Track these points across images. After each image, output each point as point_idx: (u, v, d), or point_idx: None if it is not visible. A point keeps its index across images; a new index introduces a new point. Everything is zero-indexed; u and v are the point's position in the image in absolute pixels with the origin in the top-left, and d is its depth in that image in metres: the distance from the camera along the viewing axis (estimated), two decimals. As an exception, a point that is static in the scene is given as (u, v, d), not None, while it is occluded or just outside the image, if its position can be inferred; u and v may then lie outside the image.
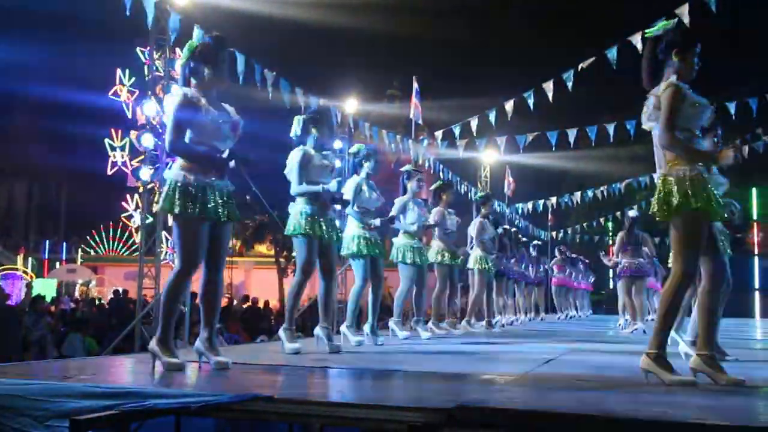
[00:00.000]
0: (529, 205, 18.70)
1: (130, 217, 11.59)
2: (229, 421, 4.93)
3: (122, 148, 11.58)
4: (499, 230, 10.34)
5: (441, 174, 13.79)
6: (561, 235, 20.93)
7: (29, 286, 21.28)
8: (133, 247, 29.10)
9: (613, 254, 10.13)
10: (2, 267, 24.63)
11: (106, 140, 11.48)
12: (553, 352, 5.56)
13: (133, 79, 11.29)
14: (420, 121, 10.12)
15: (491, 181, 19.59)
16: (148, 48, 10.50)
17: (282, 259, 26.11)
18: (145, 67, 10.58)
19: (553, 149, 11.46)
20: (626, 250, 9.49)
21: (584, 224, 20.96)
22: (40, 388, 2.92)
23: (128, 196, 12.27)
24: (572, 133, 10.94)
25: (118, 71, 11.33)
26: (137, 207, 11.43)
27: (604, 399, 2.94)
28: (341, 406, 2.62)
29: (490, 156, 18.14)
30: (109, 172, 11.37)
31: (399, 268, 6.92)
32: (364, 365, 4.31)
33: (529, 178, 20.92)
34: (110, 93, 11.38)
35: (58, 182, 35.51)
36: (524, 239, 13.30)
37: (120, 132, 11.77)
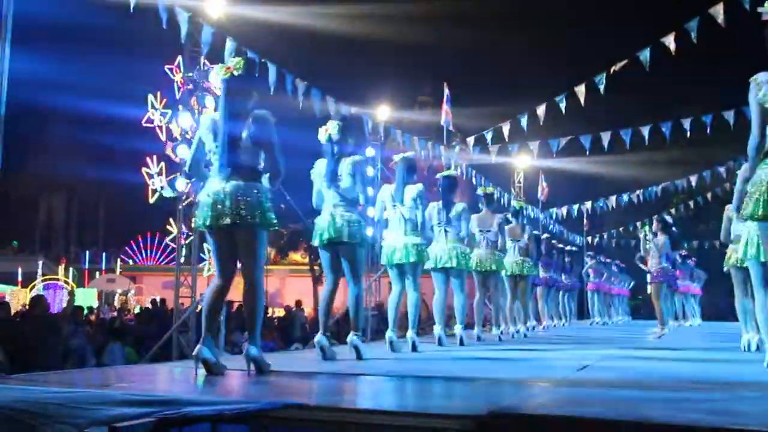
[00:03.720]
0: (564, 210, 18.53)
1: (174, 240, 11.77)
2: (265, 428, 4.96)
3: (159, 173, 11.76)
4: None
5: (474, 180, 13.75)
6: (597, 240, 20.69)
7: (71, 294, 21.72)
8: (171, 257, 29.55)
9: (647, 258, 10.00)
10: (44, 277, 25.14)
11: (144, 169, 11.75)
12: (589, 358, 5.50)
13: (165, 99, 11.46)
14: (451, 128, 10.10)
15: (525, 186, 19.47)
16: (177, 62, 10.70)
17: (316, 267, 26.21)
18: (175, 84, 10.77)
19: (587, 153, 11.35)
20: (661, 255, 9.38)
21: (620, 229, 20.69)
22: (80, 396, 2.98)
23: (171, 220, 12.53)
24: (606, 137, 10.82)
25: (150, 97, 11.50)
26: (176, 218, 11.65)
27: (640, 405, 2.89)
28: (374, 413, 2.63)
29: (523, 161, 18.04)
30: (151, 201, 11.58)
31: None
32: (398, 372, 4.31)
33: (563, 182, 20.75)
34: (144, 120, 11.59)
35: (96, 194, 36.18)
36: (559, 245, 13.17)
37: (156, 157, 11.99)
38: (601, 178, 20.54)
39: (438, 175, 7.03)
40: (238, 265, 4.11)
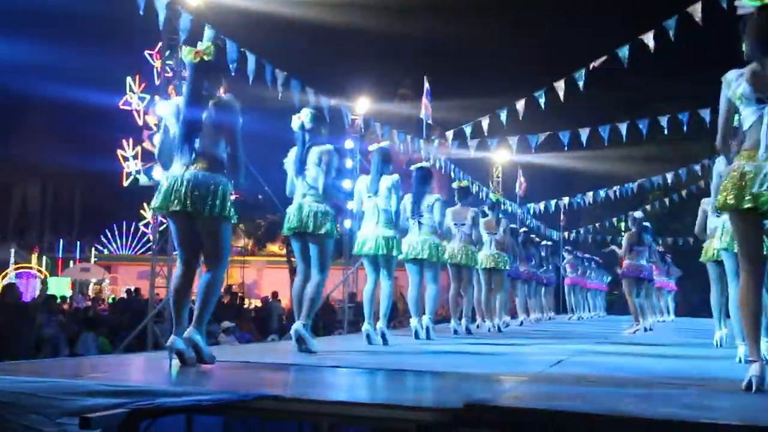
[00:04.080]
0: (541, 205, 18.64)
1: (148, 224, 11.58)
2: (240, 419, 4.94)
3: (135, 157, 11.64)
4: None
5: (452, 174, 13.77)
6: (573, 235, 20.86)
7: (44, 283, 21.47)
8: (147, 246, 29.30)
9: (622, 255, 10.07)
10: (17, 265, 24.83)
11: (119, 151, 11.55)
12: (564, 353, 5.54)
13: (144, 84, 11.35)
14: (430, 121, 10.09)
15: (503, 181, 19.57)
16: (158, 48, 10.56)
17: (293, 259, 26.17)
18: (154, 70, 10.64)
19: (566, 149, 11.41)
20: (632, 251, 9.44)
21: (597, 224, 20.88)
22: (51, 386, 2.94)
23: (146, 205, 12.28)
24: (584, 133, 10.89)
25: (128, 79, 11.38)
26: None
27: (614, 399, 2.92)
28: (349, 405, 2.63)
29: (501, 156, 18.11)
30: (125, 184, 11.41)
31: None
32: (370, 365, 4.31)
33: (541, 178, 20.88)
34: (121, 103, 11.44)
35: (71, 182, 35.74)
36: (536, 239, 13.24)
37: (132, 141, 11.82)
38: (578, 174, 20.74)
39: (412, 167, 7.01)
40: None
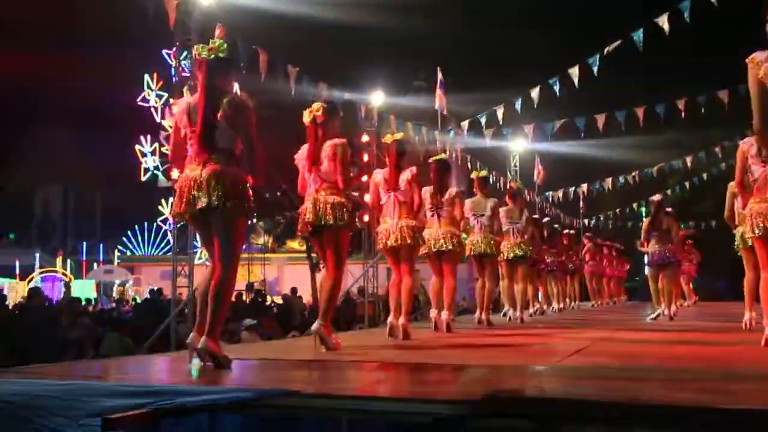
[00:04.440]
0: (560, 193, 18.51)
1: (166, 221, 11.69)
2: (259, 418, 4.97)
3: (152, 153, 11.70)
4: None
5: (469, 165, 13.71)
6: (593, 222, 20.71)
7: (68, 286, 21.74)
8: (169, 246, 29.56)
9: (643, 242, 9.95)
10: (42, 270, 25.15)
11: (137, 147, 11.59)
12: (585, 341, 5.51)
13: (161, 82, 11.43)
14: (445, 112, 10.05)
15: (520, 170, 19.45)
16: (174, 50, 10.63)
17: (314, 255, 26.22)
18: (172, 69, 10.71)
19: (582, 136, 11.31)
20: (652, 236, 9.34)
21: (617, 210, 20.70)
22: (75, 388, 2.98)
23: (163, 201, 12.33)
24: (601, 119, 10.78)
25: (146, 76, 11.43)
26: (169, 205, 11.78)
27: (632, 386, 2.90)
28: (368, 399, 2.63)
29: (518, 144, 17.99)
30: (142, 179, 11.47)
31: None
32: (394, 359, 4.31)
33: (559, 165, 20.74)
34: (139, 99, 11.50)
35: (92, 184, 36.15)
36: (558, 228, 13.16)
37: (149, 137, 11.87)
38: (596, 161, 20.57)
39: (430, 160, 6.97)
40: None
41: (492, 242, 7.84)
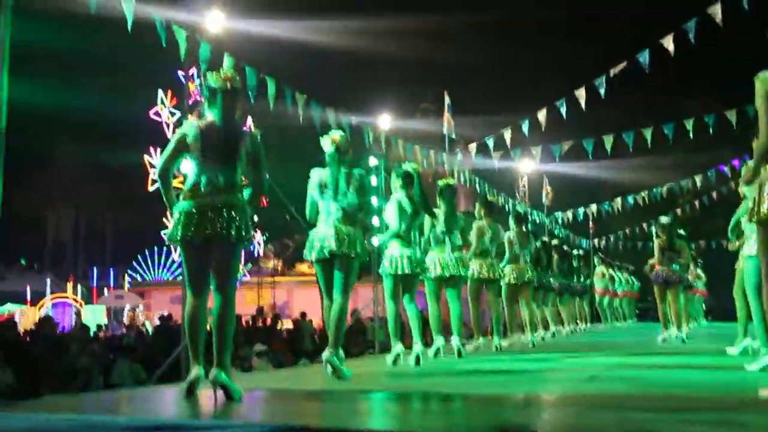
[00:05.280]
0: (569, 213, 18.45)
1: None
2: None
3: None
4: (538, 243, 10.24)
5: (477, 187, 13.70)
6: (603, 243, 20.60)
7: (79, 314, 21.77)
8: (178, 271, 29.64)
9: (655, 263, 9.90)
10: (53, 296, 25.20)
11: (146, 157, 11.57)
12: (597, 367, 5.46)
13: (175, 100, 11.54)
14: (453, 136, 10.07)
15: (529, 191, 19.43)
16: (185, 73, 10.73)
17: (323, 278, 26.20)
18: (185, 90, 10.84)
19: (590, 157, 11.29)
20: (664, 256, 9.33)
21: (626, 231, 20.60)
22: (85, 422, 2.98)
23: (168, 214, 12.39)
24: (609, 141, 10.76)
25: (160, 92, 11.51)
26: None
27: (647, 418, 2.87)
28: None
29: (526, 166, 17.96)
30: (150, 189, 11.47)
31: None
32: (404, 389, 4.27)
33: (567, 186, 20.72)
34: (152, 112, 11.54)
35: (103, 210, 36.33)
36: (567, 249, 13.09)
37: (159, 150, 11.85)
38: (605, 181, 20.53)
39: (439, 183, 6.96)
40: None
41: (497, 267, 7.85)
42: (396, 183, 5.99)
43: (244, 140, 3.91)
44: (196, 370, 3.81)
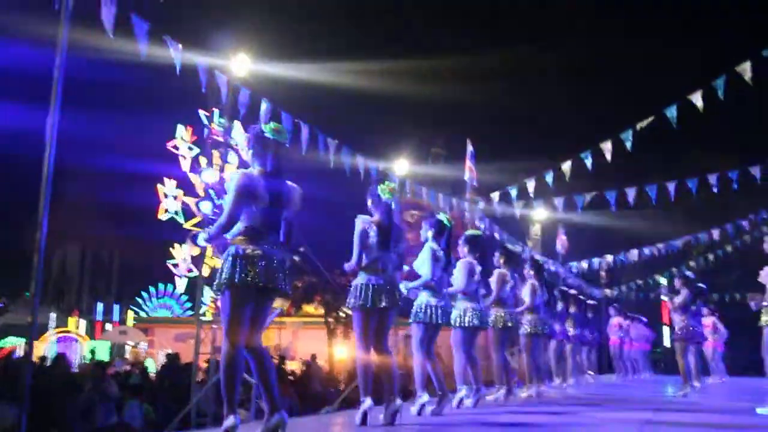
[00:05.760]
0: (584, 263, 18.36)
1: (176, 265, 11.70)
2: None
3: (175, 198, 11.72)
4: (555, 292, 10.21)
5: (496, 235, 13.63)
6: (615, 293, 20.48)
7: (93, 352, 21.52)
8: (185, 306, 29.53)
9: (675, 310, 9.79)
10: (57, 330, 25.01)
11: (159, 186, 11.58)
12: (624, 424, 5.33)
13: (195, 137, 11.63)
14: (475, 183, 10.07)
15: (542, 239, 19.36)
16: (208, 114, 10.79)
17: (331, 320, 26.02)
18: (205, 130, 10.93)
19: (613, 209, 11.27)
20: (686, 311, 9.31)
21: (639, 281, 20.49)
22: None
23: (176, 244, 12.29)
24: (631, 193, 10.76)
25: (180, 126, 11.59)
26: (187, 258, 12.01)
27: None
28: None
29: (540, 214, 17.93)
30: (160, 216, 11.49)
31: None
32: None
33: (578, 234, 20.64)
34: (170, 145, 11.61)
35: (108, 245, 36.36)
36: (582, 298, 12.98)
37: (174, 182, 11.92)
38: (619, 230, 20.46)
39: (467, 233, 6.90)
40: None
41: (514, 316, 7.81)
42: (428, 232, 5.95)
43: (294, 198, 4.03)
44: (231, 420, 3.77)
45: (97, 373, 9.48)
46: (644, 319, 16.54)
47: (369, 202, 5.13)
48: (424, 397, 5.73)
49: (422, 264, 5.83)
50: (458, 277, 6.32)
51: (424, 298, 5.87)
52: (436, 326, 5.88)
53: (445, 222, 6.02)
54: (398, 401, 4.87)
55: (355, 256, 4.97)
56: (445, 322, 5.90)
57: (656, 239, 17.00)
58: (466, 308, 6.51)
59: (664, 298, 10.18)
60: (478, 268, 6.55)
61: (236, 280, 3.77)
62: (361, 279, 4.96)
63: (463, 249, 6.45)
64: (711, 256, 17.64)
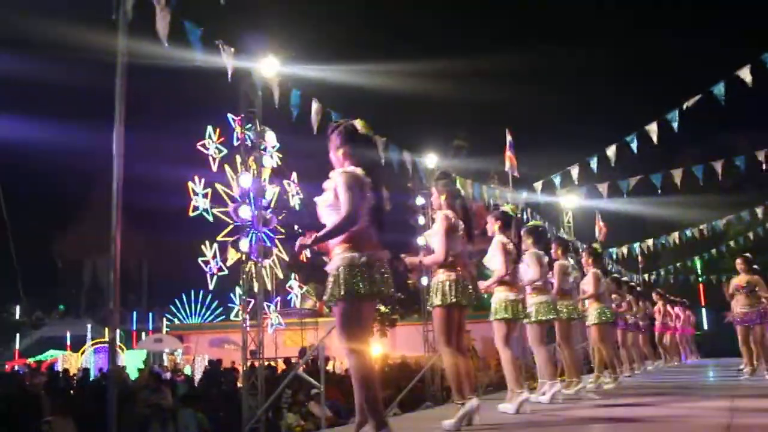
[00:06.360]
0: (624, 249, 18.11)
1: (206, 263, 11.78)
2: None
3: (204, 196, 11.77)
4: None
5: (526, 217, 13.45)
6: (654, 277, 20.22)
7: (145, 363, 21.59)
8: (214, 313, 29.56)
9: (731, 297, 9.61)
10: (94, 341, 25.17)
11: (189, 184, 11.61)
12: (715, 413, 5.19)
13: (223, 138, 11.71)
14: (516, 174, 9.93)
15: (575, 226, 19.11)
16: (238, 120, 10.74)
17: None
18: (234, 134, 10.93)
19: (659, 193, 11.04)
20: (740, 294, 9.20)
21: (677, 264, 20.20)
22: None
23: (207, 243, 12.27)
24: (678, 175, 10.53)
25: (209, 128, 11.68)
26: (220, 258, 12.11)
27: None
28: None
29: (571, 201, 17.69)
30: (191, 214, 11.53)
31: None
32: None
33: (614, 220, 20.40)
34: (199, 144, 11.70)
35: (140, 253, 36.55)
36: (631, 283, 12.76)
37: (203, 180, 11.96)
38: (652, 216, 20.18)
39: (529, 225, 6.77)
40: None
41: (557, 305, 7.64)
42: (495, 225, 5.82)
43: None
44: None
45: (152, 384, 9.50)
46: (685, 302, 16.33)
47: (438, 196, 5.00)
48: (525, 394, 5.53)
49: (493, 258, 5.69)
50: (532, 269, 6.18)
51: (502, 293, 5.71)
52: (516, 321, 5.74)
53: (510, 213, 5.89)
54: (475, 400, 4.71)
55: (442, 251, 4.76)
56: (525, 315, 5.80)
57: (695, 222, 16.72)
58: (540, 302, 6.38)
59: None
60: (546, 259, 6.41)
61: (363, 291, 3.63)
62: (447, 275, 4.77)
63: (526, 241, 6.29)
64: (751, 235, 17.30)
